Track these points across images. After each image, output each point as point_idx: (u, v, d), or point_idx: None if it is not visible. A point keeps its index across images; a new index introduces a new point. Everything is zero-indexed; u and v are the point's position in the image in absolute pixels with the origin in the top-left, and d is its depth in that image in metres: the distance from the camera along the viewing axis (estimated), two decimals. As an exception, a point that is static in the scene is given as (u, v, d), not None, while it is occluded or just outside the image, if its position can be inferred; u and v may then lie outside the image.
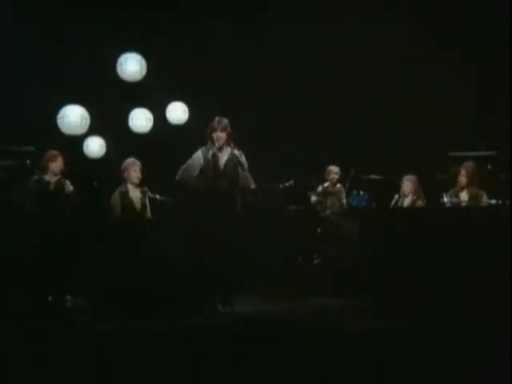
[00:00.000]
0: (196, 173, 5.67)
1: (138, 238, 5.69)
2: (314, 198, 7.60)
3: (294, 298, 6.46)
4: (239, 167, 5.65)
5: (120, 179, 6.44)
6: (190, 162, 5.71)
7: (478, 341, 4.30)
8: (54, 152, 6.29)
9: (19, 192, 6.10)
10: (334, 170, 7.63)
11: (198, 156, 5.69)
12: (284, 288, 6.92)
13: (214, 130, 5.67)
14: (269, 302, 6.29)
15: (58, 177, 6.26)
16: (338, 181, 7.62)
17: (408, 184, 6.93)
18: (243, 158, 5.67)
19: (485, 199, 6.32)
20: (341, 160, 7.60)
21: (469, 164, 6.51)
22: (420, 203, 6.81)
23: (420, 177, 7.02)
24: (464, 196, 6.46)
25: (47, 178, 6.19)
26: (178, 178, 5.71)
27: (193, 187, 5.69)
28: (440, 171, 6.80)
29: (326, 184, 7.64)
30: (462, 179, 6.47)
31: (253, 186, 5.74)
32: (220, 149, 5.66)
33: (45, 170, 6.21)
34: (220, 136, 5.65)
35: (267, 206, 7.30)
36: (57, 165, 6.23)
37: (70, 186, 6.27)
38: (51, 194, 6.14)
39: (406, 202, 6.94)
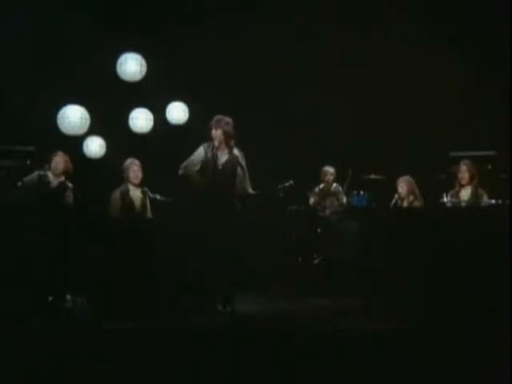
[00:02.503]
0: (197, 168, 5.68)
1: (138, 238, 5.69)
2: (312, 199, 7.62)
3: (293, 298, 6.46)
4: (238, 168, 5.65)
5: (120, 179, 6.44)
6: (192, 157, 5.73)
7: (478, 341, 4.30)
8: (58, 152, 6.29)
9: (19, 191, 6.10)
10: (329, 170, 7.64)
11: (200, 152, 5.71)
12: (284, 288, 6.93)
13: (212, 127, 5.68)
14: (269, 301, 6.29)
15: (59, 176, 6.26)
16: (334, 181, 7.63)
17: (403, 186, 6.91)
18: (243, 160, 5.68)
19: (485, 199, 6.33)
20: (341, 160, 7.60)
21: (467, 161, 6.53)
22: (417, 203, 6.81)
23: (420, 177, 7.02)
24: (465, 195, 6.46)
25: (47, 176, 6.19)
26: (180, 172, 5.72)
27: (194, 183, 5.69)
28: (440, 171, 6.80)
29: (321, 185, 7.65)
30: (465, 175, 6.46)
31: (250, 190, 5.73)
32: (218, 148, 5.65)
33: (47, 167, 6.21)
34: (216, 134, 5.65)
35: (267, 206, 7.29)
36: (58, 164, 6.23)
37: (69, 186, 6.26)
38: (51, 193, 6.14)
39: (404, 204, 6.93)
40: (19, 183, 6.08)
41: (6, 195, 6.13)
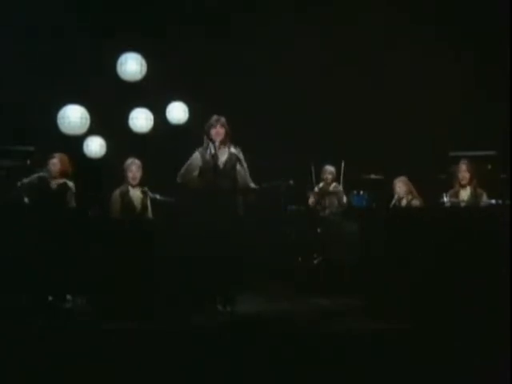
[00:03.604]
0: (195, 174, 5.65)
1: (138, 238, 5.69)
2: (312, 199, 7.61)
3: (294, 298, 6.46)
4: (238, 165, 5.64)
5: (121, 179, 6.44)
6: (188, 164, 5.68)
7: (478, 341, 4.30)
8: (55, 154, 6.29)
9: (19, 191, 6.10)
10: (328, 169, 7.63)
11: (196, 157, 5.67)
12: (284, 288, 6.93)
13: (213, 126, 5.65)
14: (269, 301, 6.28)
15: (58, 178, 6.25)
16: (333, 180, 7.62)
17: (401, 186, 6.92)
18: (241, 156, 5.67)
19: (485, 198, 6.33)
20: (341, 160, 7.60)
21: (466, 160, 6.53)
22: (416, 202, 6.81)
23: (420, 177, 7.03)
24: (464, 195, 6.46)
25: (46, 179, 6.19)
26: (178, 180, 5.69)
27: (194, 189, 5.67)
28: (440, 171, 6.81)
29: (321, 184, 7.65)
30: (465, 175, 6.46)
31: (252, 185, 5.72)
32: (218, 147, 5.64)
33: (46, 170, 6.21)
34: (219, 131, 5.62)
35: (267, 205, 7.29)
36: (55, 166, 6.21)
37: (71, 187, 6.26)
38: (50, 195, 6.14)
39: (403, 203, 6.93)
40: (19, 183, 6.07)
41: (6, 195, 6.13)
